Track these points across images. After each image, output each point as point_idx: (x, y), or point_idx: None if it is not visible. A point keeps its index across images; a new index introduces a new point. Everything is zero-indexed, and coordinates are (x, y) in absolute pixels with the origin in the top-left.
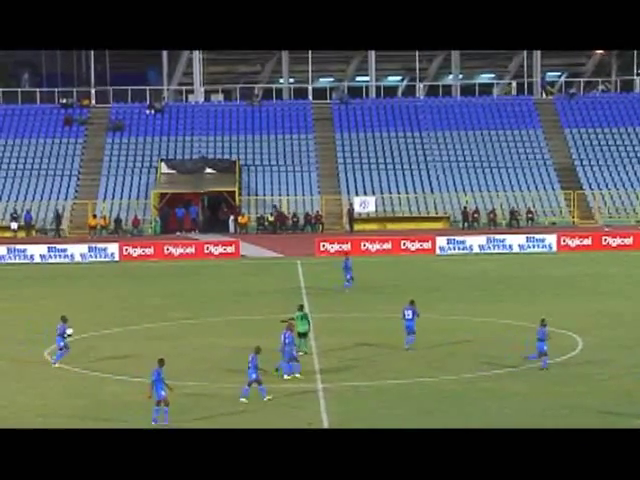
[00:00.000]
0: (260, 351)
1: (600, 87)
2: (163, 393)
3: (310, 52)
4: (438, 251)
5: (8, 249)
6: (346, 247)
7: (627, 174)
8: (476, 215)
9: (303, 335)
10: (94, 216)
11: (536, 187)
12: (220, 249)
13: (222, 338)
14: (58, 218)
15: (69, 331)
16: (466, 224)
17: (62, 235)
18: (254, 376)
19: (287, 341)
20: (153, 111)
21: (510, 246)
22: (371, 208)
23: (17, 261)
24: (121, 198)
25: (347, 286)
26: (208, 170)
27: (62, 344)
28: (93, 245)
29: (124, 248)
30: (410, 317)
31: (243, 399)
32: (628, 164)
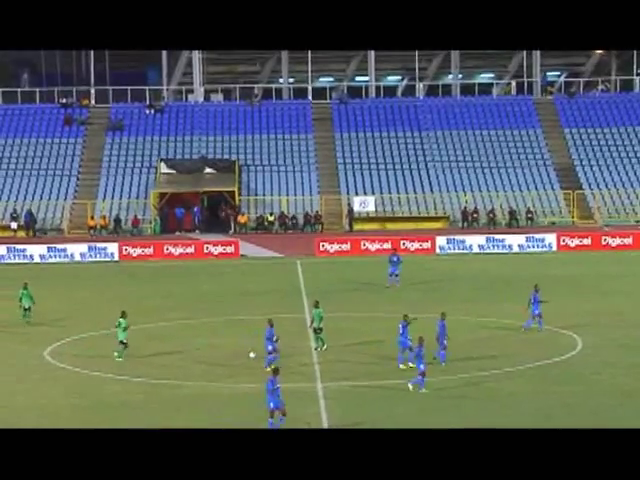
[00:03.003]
0: (424, 341)
1: (600, 87)
2: (272, 405)
3: (310, 52)
4: (438, 251)
5: (8, 249)
6: (345, 247)
7: (627, 174)
8: (475, 215)
9: (319, 330)
10: (92, 217)
11: (536, 187)
12: (220, 249)
13: (222, 338)
14: (32, 217)
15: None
16: (465, 224)
17: (39, 235)
18: (422, 367)
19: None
20: (153, 111)
21: (510, 246)
22: (370, 208)
23: (17, 261)
24: (120, 198)
25: (395, 281)
26: (208, 170)
27: (271, 348)
28: (93, 245)
29: (123, 248)
30: (534, 301)
31: (423, 390)
32: (628, 164)
